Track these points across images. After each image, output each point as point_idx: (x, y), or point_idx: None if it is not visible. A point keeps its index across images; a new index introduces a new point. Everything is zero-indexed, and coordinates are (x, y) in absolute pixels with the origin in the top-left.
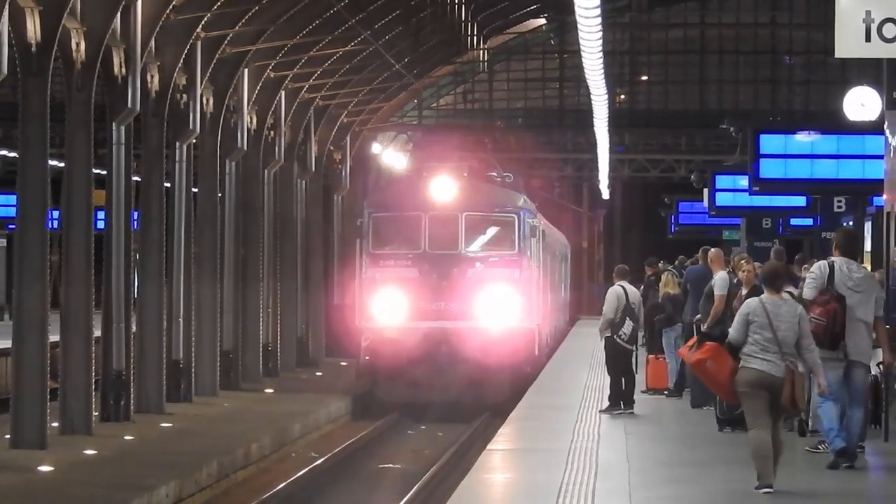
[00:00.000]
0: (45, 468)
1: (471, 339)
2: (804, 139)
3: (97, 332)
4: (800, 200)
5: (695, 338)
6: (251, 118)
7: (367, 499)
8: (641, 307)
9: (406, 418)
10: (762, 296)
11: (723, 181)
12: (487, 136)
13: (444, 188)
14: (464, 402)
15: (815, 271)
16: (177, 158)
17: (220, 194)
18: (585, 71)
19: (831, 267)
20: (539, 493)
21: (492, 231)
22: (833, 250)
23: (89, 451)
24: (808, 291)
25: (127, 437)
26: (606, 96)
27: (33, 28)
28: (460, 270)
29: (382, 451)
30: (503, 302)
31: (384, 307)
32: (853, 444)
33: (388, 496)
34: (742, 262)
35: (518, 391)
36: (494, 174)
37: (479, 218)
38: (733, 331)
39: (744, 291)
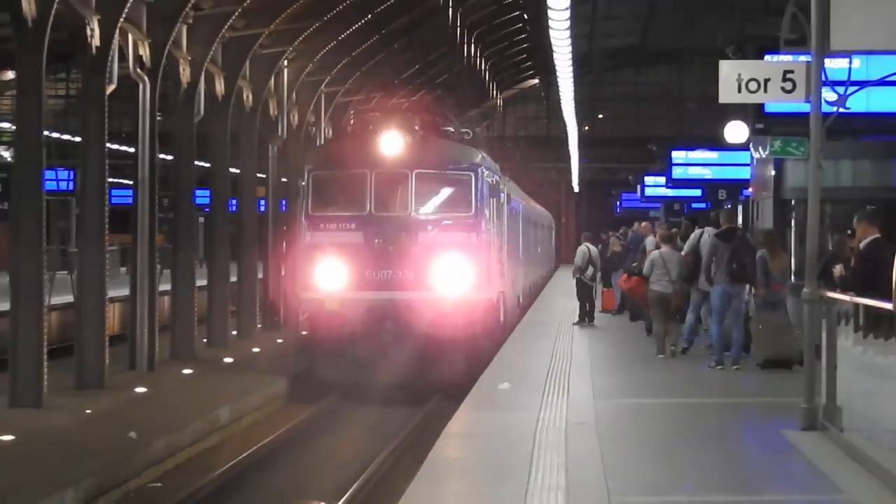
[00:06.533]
0: (227, 360)
1: (420, 312)
2: (699, 155)
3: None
4: (697, 192)
5: (625, 275)
6: (327, 130)
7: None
8: (599, 259)
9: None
10: (661, 249)
11: (649, 180)
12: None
13: (393, 143)
14: (413, 383)
15: (692, 238)
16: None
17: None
18: (563, 111)
19: (700, 234)
20: (533, 374)
21: (446, 191)
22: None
23: (256, 349)
24: (685, 248)
25: (279, 341)
26: (576, 128)
27: (220, 85)
28: (409, 235)
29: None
30: (458, 270)
31: (324, 276)
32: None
33: None
34: (661, 230)
35: (474, 370)
36: (451, 129)
37: (431, 176)
38: (646, 269)
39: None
